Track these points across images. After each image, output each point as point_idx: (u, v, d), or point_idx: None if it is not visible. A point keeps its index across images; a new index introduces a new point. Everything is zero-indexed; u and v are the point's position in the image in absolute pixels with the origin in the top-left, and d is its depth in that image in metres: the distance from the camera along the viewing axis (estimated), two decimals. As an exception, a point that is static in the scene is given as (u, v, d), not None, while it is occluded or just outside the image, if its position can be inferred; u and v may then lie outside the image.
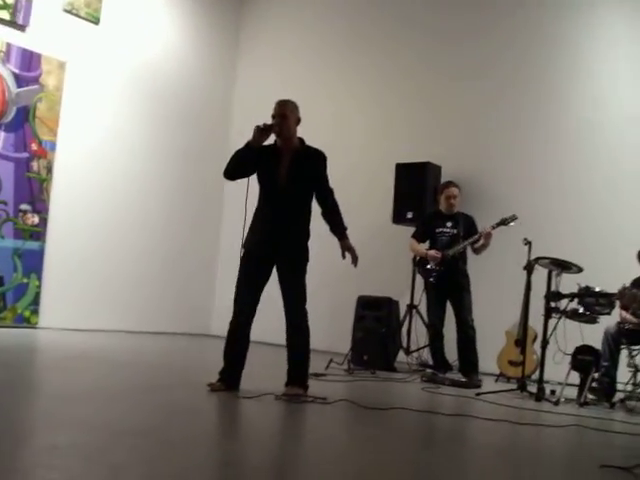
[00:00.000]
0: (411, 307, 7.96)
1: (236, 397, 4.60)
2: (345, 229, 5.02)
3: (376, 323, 7.75)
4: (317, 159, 4.99)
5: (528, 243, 6.41)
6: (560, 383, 6.23)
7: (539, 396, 5.99)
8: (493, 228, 6.91)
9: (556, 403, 5.82)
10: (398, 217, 8.40)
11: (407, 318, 7.97)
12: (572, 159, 7.99)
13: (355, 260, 5.02)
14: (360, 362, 7.52)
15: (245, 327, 4.92)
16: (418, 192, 8.31)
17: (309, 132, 5.21)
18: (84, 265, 9.35)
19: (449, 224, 7.23)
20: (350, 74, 9.98)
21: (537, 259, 6.32)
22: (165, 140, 10.43)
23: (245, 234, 4.99)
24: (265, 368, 6.02)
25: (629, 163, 7.61)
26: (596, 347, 6.27)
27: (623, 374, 6.25)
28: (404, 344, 7.96)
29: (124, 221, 9.87)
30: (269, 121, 4.91)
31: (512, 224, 6.89)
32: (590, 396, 6.13)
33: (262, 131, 4.82)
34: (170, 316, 10.30)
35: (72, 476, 2.44)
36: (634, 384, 6.18)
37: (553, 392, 6.24)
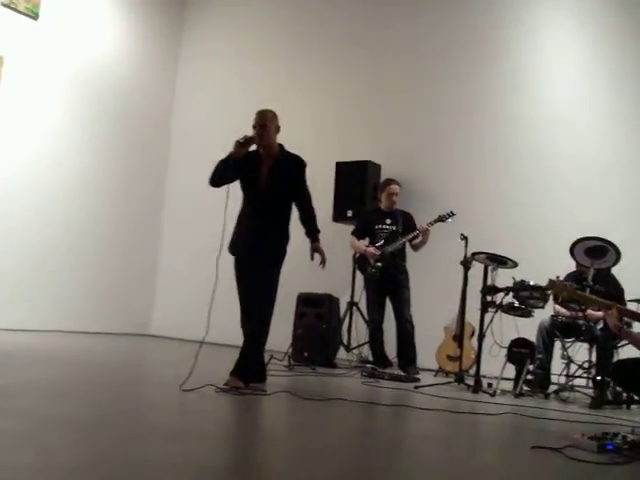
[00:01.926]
0: (351, 304, 8.02)
1: (178, 390, 4.57)
2: (318, 232, 5.36)
3: (316, 320, 7.78)
4: (296, 165, 5.28)
5: (464, 239, 6.52)
6: (497, 377, 6.35)
7: (476, 388, 6.11)
8: (431, 225, 7.03)
9: (492, 394, 5.94)
10: (338, 215, 8.46)
11: (347, 315, 8.03)
12: (509, 158, 8.18)
13: (323, 262, 5.34)
14: (301, 359, 7.54)
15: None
16: (358, 190, 8.39)
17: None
18: (23, 264, 9.15)
19: (388, 221, 7.33)
20: (292, 74, 10.01)
21: (474, 254, 6.45)
22: (106, 138, 10.28)
23: (228, 238, 5.18)
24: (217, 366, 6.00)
25: (562, 163, 7.82)
26: (531, 340, 6.42)
27: (557, 366, 6.42)
28: (344, 341, 8.01)
29: (63, 220, 9.70)
30: (245, 133, 5.08)
31: (450, 220, 7.02)
32: (525, 388, 6.28)
33: (242, 144, 5.03)
34: (109, 316, 10.14)
35: None
36: (567, 375, 6.35)
37: (490, 385, 6.35)
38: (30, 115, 9.36)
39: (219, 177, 5.11)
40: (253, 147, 5.23)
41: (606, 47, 7.79)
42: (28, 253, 9.25)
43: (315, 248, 5.31)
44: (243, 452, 3.15)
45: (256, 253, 5.12)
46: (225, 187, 5.07)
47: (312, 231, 5.33)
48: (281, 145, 5.29)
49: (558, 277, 4.59)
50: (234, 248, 5.22)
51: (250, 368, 5.07)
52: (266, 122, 5.13)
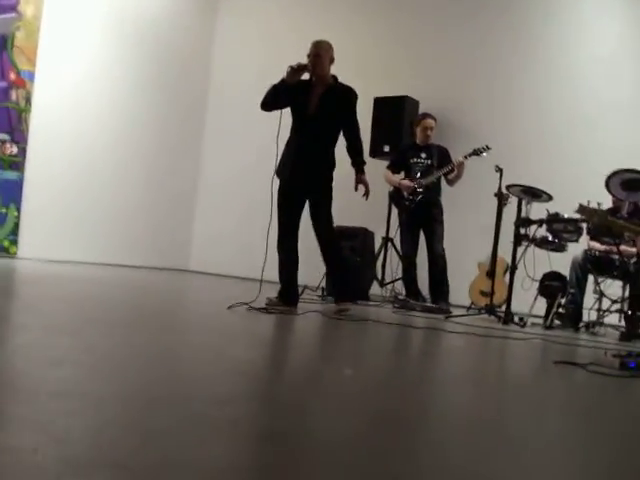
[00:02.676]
0: (387, 240, 8.07)
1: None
2: (364, 163, 5.50)
3: (351, 253, 7.84)
4: (348, 95, 5.35)
5: (500, 170, 6.49)
6: (528, 313, 6.38)
7: (507, 319, 6.16)
8: (466, 158, 7.02)
9: (523, 326, 5.99)
10: (375, 150, 8.46)
11: (382, 251, 8.09)
12: (549, 94, 8.11)
13: (367, 193, 5.47)
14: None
15: (291, 251, 5.35)
16: (396, 126, 8.37)
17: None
18: (62, 197, 9.32)
19: (423, 155, 7.33)
20: (329, 12, 9.96)
21: (508, 187, 6.44)
22: (145, 74, 10.31)
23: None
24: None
25: (607, 99, 7.74)
26: (563, 274, 6.44)
27: (590, 302, 6.44)
28: (379, 276, 8.08)
29: (102, 154, 9.82)
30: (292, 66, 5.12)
31: (485, 154, 6.98)
32: (556, 321, 6.32)
33: (295, 70, 5.10)
34: (148, 250, 10.31)
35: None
36: (599, 310, 6.37)
37: (522, 319, 6.40)
38: (73, 52, 9.40)
39: (270, 101, 5.20)
40: (307, 76, 5.28)
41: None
42: (68, 184, 9.40)
43: (360, 179, 5.44)
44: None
45: (301, 179, 5.26)
46: (276, 117, 5.13)
47: (358, 162, 5.43)
48: (335, 76, 5.35)
49: (589, 202, 4.58)
50: (280, 171, 5.34)
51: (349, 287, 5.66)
52: (320, 52, 5.21)
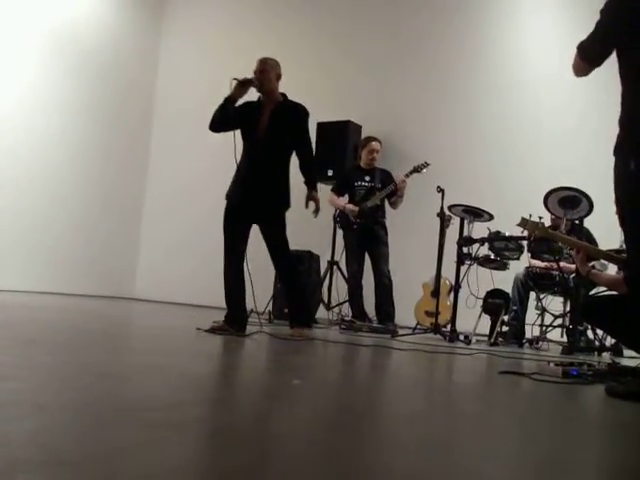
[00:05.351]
0: (332, 263, 8.10)
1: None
2: (316, 181, 5.50)
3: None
4: (297, 113, 5.27)
5: (441, 191, 6.60)
6: (473, 331, 6.46)
7: (452, 337, 6.24)
8: (407, 176, 7.11)
9: (468, 343, 6.07)
10: (319, 174, 8.46)
11: (328, 274, 8.12)
12: (492, 112, 8.37)
13: (317, 210, 5.42)
14: (281, 315, 7.63)
15: (238, 273, 5.17)
16: (339, 150, 8.46)
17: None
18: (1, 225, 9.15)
19: (367, 178, 7.42)
20: (272, 36, 10.06)
21: (450, 207, 6.55)
22: (86, 95, 10.26)
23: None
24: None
25: (548, 121, 8.00)
26: (506, 291, 6.56)
27: (532, 318, 6.56)
28: (325, 300, 8.10)
29: (41, 177, 9.65)
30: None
31: (424, 171, 7.10)
32: (500, 338, 6.42)
33: (241, 84, 5.05)
34: (90, 278, 10.15)
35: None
36: (542, 325, 6.50)
37: (467, 336, 6.47)
38: (10, 75, 9.31)
39: (218, 121, 5.13)
40: (255, 97, 5.26)
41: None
42: (3, 208, 9.19)
43: (311, 196, 5.38)
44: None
45: (251, 205, 5.15)
46: (226, 136, 5.11)
47: (311, 180, 5.39)
48: (284, 94, 5.30)
49: (531, 215, 4.69)
50: (229, 195, 5.25)
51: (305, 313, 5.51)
52: (266, 67, 5.15)
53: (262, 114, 5.18)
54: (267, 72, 5.13)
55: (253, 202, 5.16)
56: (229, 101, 5.08)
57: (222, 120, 5.12)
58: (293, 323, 5.39)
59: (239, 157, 5.21)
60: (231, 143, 5.12)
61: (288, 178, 5.29)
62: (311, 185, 5.40)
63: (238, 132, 5.25)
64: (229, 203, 5.27)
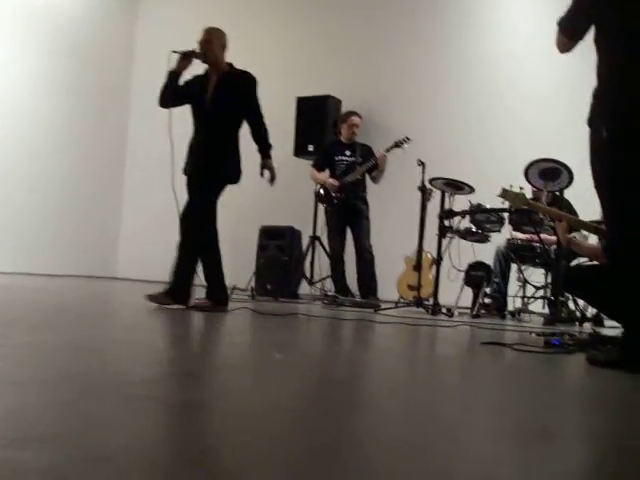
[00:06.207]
0: (314, 238, 8.09)
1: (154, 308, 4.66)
2: (270, 148, 5.16)
3: (278, 252, 7.85)
4: (244, 80, 5.08)
5: (422, 164, 6.59)
6: (455, 304, 6.47)
7: (435, 310, 6.25)
8: (387, 151, 7.09)
9: (450, 315, 6.09)
10: (299, 150, 8.50)
11: (310, 249, 8.11)
12: (471, 83, 8.38)
13: (272, 179, 5.20)
14: (264, 292, 7.63)
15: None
16: (319, 125, 8.42)
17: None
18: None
19: (347, 152, 7.38)
20: (251, 12, 9.97)
21: (431, 180, 6.54)
22: (63, 73, 10.15)
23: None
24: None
25: (527, 91, 8.00)
26: (488, 264, 6.57)
27: (514, 289, 6.59)
28: (307, 275, 8.10)
29: (16, 152, 9.54)
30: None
31: (406, 146, 7.07)
32: (482, 311, 6.44)
33: (183, 56, 4.93)
34: (66, 256, 10.05)
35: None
36: (523, 297, 6.53)
37: (449, 309, 6.48)
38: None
39: (164, 96, 5.01)
40: (202, 69, 5.13)
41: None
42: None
43: (265, 164, 5.17)
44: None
45: (197, 175, 5.02)
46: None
47: (264, 147, 5.15)
48: (230, 64, 5.14)
49: (512, 186, 4.69)
50: (184, 169, 5.10)
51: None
52: (211, 37, 5.01)
53: (208, 86, 5.04)
54: (211, 42, 4.99)
55: (201, 173, 5.02)
56: (173, 75, 4.97)
57: (169, 96, 4.98)
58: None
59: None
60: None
61: (238, 149, 5.12)
62: (265, 153, 5.17)
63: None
64: (186, 175, 5.10)
